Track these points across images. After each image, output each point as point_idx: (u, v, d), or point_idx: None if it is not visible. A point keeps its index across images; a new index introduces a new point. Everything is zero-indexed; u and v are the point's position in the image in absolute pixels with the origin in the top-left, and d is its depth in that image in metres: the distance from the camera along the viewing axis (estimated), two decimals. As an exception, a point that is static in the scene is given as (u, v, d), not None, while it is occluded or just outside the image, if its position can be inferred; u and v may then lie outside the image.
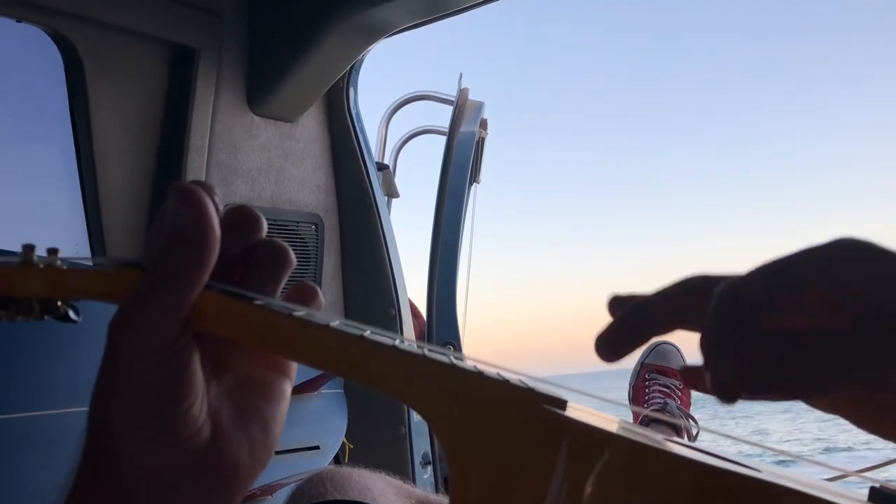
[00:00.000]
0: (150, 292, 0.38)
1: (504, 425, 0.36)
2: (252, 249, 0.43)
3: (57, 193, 1.49)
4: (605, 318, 0.41)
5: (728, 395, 0.35)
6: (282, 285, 0.44)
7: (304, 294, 0.45)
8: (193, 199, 0.38)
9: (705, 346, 0.37)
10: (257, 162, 1.61)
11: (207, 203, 0.39)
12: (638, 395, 1.97)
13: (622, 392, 2.09)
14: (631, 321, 0.40)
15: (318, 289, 0.45)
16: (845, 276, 0.35)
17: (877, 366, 0.34)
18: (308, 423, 1.55)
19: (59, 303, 0.40)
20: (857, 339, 0.34)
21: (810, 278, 0.36)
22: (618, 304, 0.42)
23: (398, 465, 1.70)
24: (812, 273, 0.36)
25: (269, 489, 1.28)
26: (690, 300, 0.39)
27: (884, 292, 0.34)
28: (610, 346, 0.40)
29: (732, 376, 0.35)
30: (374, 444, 1.72)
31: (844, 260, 0.36)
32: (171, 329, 0.38)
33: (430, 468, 1.76)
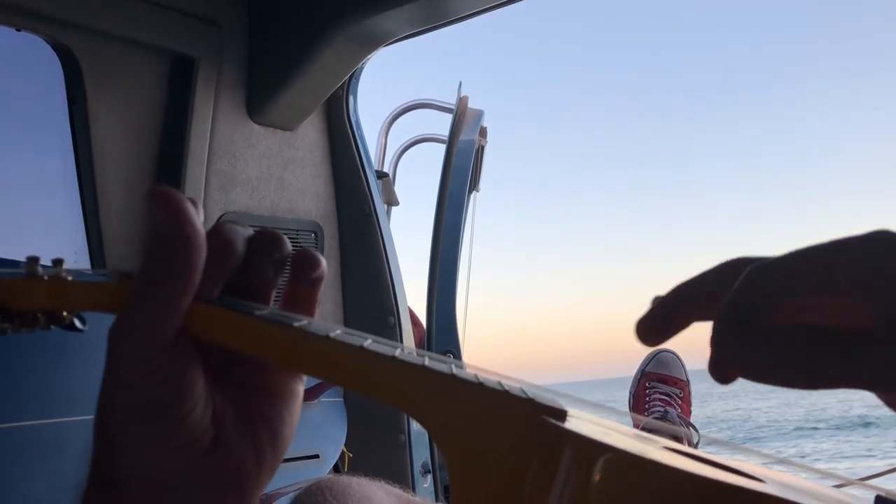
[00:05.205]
0: (140, 297, 0.38)
1: (504, 436, 0.36)
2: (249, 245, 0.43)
3: (56, 202, 1.49)
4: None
5: (722, 376, 0.35)
6: (282, 269, 0.43)
7: (304, 263, 0.44)
8: (171, 202, 0.38)
9: (717, 322, 0.35)
10: (257, 170, 1.61)
11: (186, 205, 0.38)
12: (638, 403, 1.97)
13: (623, 402, 2.09)
14: (671, 302, 0.38)
15: (320, 256, 0.44)
16: (875, 273, 0.33)
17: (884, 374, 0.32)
18: (307, 432, 1.54)
19: (65, 313, 0.40)
20: (873, 342, 0.32)
21: (840, 270, 0.34)
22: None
23: (398, 473, 1.69)
24: (842, 265, 0.34)
25: (268, 498, 1.27)
26: (731, 281, 0.37)
27: None
28: (650, 329, 0.38)
29: (732, 357, 0.34)
30: (374, 452, 1.72)
31: (878, 256, 0.33)
32: (165, 332, 0.38)
33: (429, 477, 1.76)
